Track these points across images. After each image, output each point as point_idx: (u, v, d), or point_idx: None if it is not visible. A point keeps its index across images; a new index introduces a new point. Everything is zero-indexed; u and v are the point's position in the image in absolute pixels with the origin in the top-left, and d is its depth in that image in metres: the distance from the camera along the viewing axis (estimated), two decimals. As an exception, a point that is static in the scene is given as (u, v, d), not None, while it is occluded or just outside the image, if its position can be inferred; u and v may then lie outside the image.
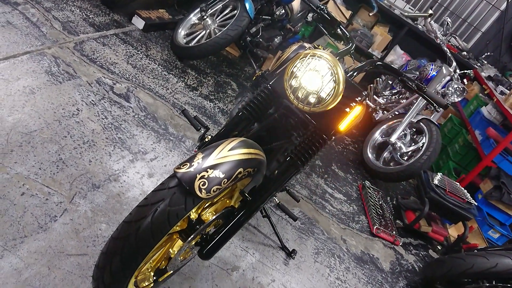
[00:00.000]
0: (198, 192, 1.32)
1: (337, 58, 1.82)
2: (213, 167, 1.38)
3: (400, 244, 3.23)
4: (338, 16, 5.98)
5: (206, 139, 2.11)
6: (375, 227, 3.14)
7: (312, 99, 1.60)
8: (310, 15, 5.35)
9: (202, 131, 2.12)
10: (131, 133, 2.55)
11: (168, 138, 2.72)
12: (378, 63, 1.88)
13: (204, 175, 1.34)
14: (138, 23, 3.71)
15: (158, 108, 2.92)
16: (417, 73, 4.71)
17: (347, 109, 1.69)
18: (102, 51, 3.08)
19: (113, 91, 2.79)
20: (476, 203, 3.35)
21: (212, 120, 3.19)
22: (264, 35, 4.21)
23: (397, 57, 6.21)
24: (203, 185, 1.33)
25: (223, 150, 1.44)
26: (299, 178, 3.17)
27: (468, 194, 3.41)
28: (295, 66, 1.61)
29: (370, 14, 6.05)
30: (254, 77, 2.34)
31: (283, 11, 4.22)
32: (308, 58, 1.58)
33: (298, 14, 4.60)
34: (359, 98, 1.71)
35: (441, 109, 1.92)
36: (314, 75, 1.58)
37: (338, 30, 1.97)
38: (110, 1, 3.63)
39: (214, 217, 1.58)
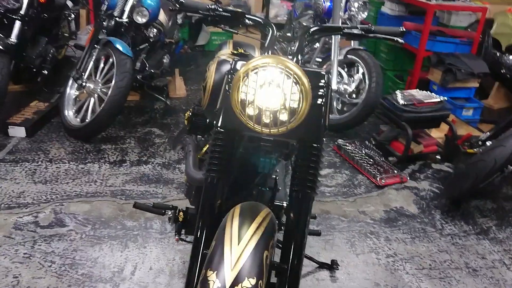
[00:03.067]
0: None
1: (269, 51, 1.47)
2: (238, 279, 0.99)
3: (408, 178, 3.02)
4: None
5: (180, 219, 1.72)
6: (378, 178, 2.90)
7: (283, 116, 1.23)
8: (179, 16, 4.94)
9: (170, 214, 1.73)
10: (92, 259, 2.06)
11: (133, 235, 2.25)
12: (312, 29, 1.55)
13: (237, 297, 0.97)
14: (17, 132, 3.10)
15: (100, 209, 2.42)
16: (311, 12, 4.49)
17: (320, 100, 1.35)
18: (-1, 190, 2.49)
19: (40, 226, 2.25)
20: (445, 98, 3.21)
21: (162, 182, 2.73)
22: (152, 63, 3.75)
23: (279, 8, 5.99)
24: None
25: (232, 248, 1.06)
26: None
27: (433, 93, 3.26)
28: (242, 92, 1.22)
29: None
30: (187, 120, 1.93)
31: (155, 29, 3.76)
32: (252, 74, 1.21)
33: (169, 24, 4.17)
34: (323, 80, 1.37)
35: (400, 39, 1.64)
36: (270, 88, 1.21)
37: (247, 21, 1.61)
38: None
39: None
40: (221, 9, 1.60)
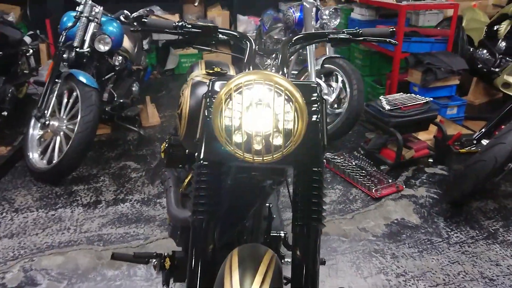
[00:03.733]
0: None
1: (250, 67, 1.28)
2: None
3: (404, 186, 2.86)
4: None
5: (167, 265, 1.52)
6: (373, 190, 2.73)
7: (277, 141, 1.04)
8: (145, 41, 4.73)
9: (154, 262, 1.52)
10: (70, 322, 1.80)
11: (115, 286, 2.00)
12: (296, 38, 1.38)
13: None
14: (-22, 182, 2.82)
15: (76, 260, 2.16)
16: (281, 25, 4.37)
17: (315, 117, 1.17)
18: (-42, 251, 2.21)
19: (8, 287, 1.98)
20: (430, 98, 3.09)
21: (143, 221, 2.49)
22: (120, 93, 3.52)
23: (247, 24, 5.87)
24: None
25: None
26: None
27: (417, 95, 3.14)
28: (225, 117, 1.03)
29: (195, 4, 5.61)
30: (163, 152, 1.72)
31: (120, 57, 3.56)
32: (236, 95, 1.02)
33: (135, 50, 3.97)
34: (316, 94, 1.19)
35: (392, 40, 1.48)
36: (259, 110, 1.02)
37: (220, 36, 1.43)
38: None
39: None
40: (189, 25, 1.41)
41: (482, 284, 2.04)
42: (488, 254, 2.25)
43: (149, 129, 3.80)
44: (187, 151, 1.63)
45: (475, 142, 2.53)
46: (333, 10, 3.54)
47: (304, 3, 3.62)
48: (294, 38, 1.38)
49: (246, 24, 5.91)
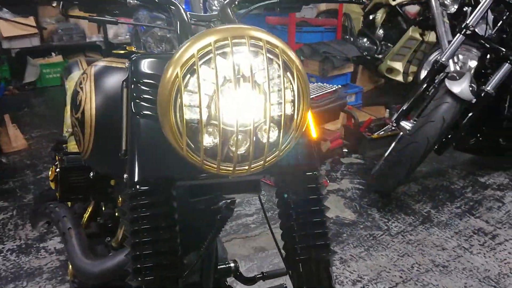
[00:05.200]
0: None
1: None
2: None
3: (328, 182, 2.66)
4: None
5: None
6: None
7: (273, 136, 0.66)
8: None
9: None
10: None
11: None
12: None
13: None
14: None
15: None
16: (160, 22, 3.91)
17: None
18: None
19: None
20: (338, 85, 2.96)
21: (25, 277, 1.85)
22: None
23: (118, 27, 5.25)
24: None
25: None
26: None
27: (325, 84, 2.99)
28: (185, 106, 0.62)
29: (53, 5, 4.82)
30: (53, 180, 1.19)
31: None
32: (203, 68, 0.61)
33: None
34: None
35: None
36: (241, 87, 0.63)
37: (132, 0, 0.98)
38: None
39: None
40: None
41: (438, 273, 1.90)
42: (431, 239, 2.14)
43: (14, 156, 3.03)
44: (93, 173, 1.13)
45: (394, 125, 2.44)
46: None
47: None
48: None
49: (117, 27, 5.29)
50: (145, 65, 0.78)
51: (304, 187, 0.80)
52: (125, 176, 0.76)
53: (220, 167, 0.64)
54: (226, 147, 0.64)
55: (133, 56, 0.81)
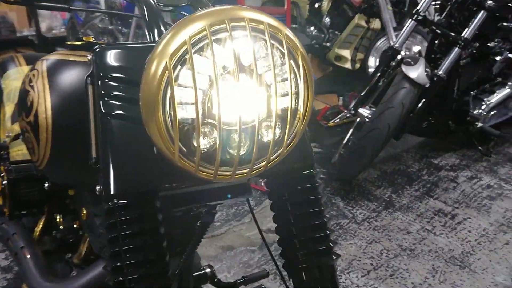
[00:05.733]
0: None
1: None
2: None
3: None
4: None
5: None
6: (262, 183, 2.41)
7: (276, 131, 0.58)
8: None
9: None
10: None
11: None
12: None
13: None
14: None
15: None
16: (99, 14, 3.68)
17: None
18: None
19: None
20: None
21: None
22: None
23: (52, 19, 4.89)
24: None
25: None
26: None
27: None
28: (177, 104, 0.52)
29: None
30: (0, 196, 1.02)
31: None
32: (196, 58, 0.51)
33: None
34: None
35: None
36: (241, 79, 0.54)
37: None
38: None
39: None
40: None
41: (406, 257, 1.92)
42: (395, 223, 2.16)
43: None
44: (47, 184, 0.99)
45: (352, 112, 2.44)
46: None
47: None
48: None
49: (51, 20, 4.92)
50: (113, 57, 0.67)
51: (301, 187, 0.73)
52: (97, 187, 0.65)
53: (218, 175, 0.55)
54: (224, 148, 0.56)
55: (96, 47, 0.69)
